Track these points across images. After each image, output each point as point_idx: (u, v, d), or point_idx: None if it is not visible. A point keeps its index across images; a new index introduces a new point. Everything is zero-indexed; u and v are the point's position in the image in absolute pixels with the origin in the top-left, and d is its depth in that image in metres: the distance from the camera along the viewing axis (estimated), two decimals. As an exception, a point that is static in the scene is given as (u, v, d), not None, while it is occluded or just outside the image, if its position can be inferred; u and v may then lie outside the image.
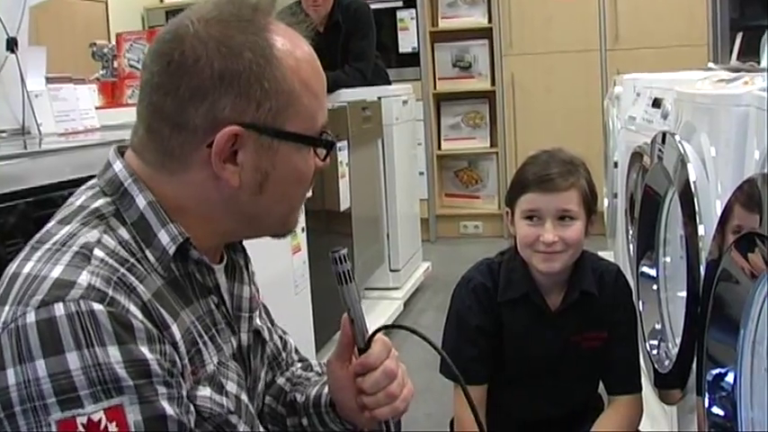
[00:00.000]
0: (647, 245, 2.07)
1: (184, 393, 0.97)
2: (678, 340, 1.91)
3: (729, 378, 1.31)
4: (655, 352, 1.97)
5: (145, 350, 0.90)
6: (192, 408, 0.98)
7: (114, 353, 0.87)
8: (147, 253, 0.99)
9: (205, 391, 1.02)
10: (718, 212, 1.54)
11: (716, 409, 1.34)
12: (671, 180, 1.75)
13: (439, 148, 5.79)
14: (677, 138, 1.71)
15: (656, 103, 2.49)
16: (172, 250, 1.00)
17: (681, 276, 1.97)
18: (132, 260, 0.97)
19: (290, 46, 1.02)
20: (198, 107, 0.98)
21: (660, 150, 1.86)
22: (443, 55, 5.69)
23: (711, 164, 1.58)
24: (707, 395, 1.34)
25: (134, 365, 0.89)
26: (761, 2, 5.21)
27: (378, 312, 3.81)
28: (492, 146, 5.72)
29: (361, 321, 1.13)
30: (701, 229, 1.55)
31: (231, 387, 1.08)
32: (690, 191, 1.60)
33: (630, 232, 2.76)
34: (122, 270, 0.94)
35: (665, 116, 2.32)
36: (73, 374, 0.86)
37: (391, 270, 4.16)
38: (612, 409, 1.85)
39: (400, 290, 4.16)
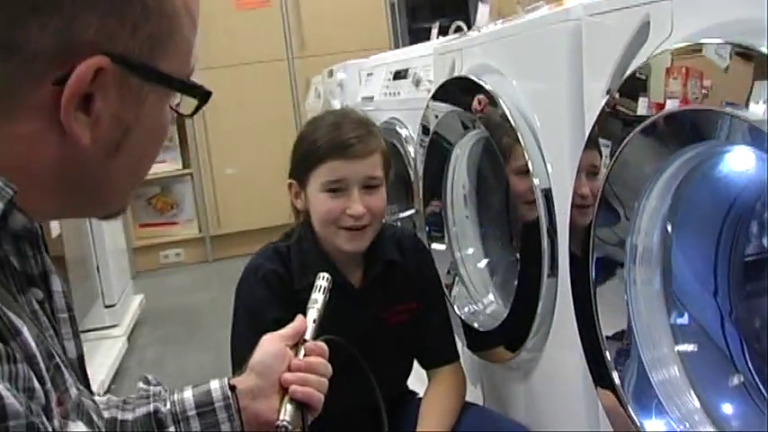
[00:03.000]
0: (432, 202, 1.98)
1: None
2: (488, 299, 1.85)
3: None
4: (463, 315, 1.88)
5: None
6: None
7: None
8: None
9: (78, 427, 0.71)
10: (543, 144, 1.48)
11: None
12: (471, 124, 1.68)
13: (128, 175, 5.37)
14: (474, 78, 1.64)
15: (400, 75, 2.45)
16: None
17: (470, 234, 1.91)
18: None
19: None
20: (45, 23, 0.66)
21: (446, 100, 1.78)
22: (123, 75, 5.30)
23: (522, 95, 1.53)
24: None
25: None
26: (428, 7, 5.55)
27: (102, 354, 3.37)
28: (185, 167, 5.43)
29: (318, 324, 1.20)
30: (529, 165, 1.49)
31: (93, 416, 0.77)
32: (507, 128, 1.52)
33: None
34: None
35: (416, 83, 2.28)
36: None
37: (106, 306, 3.72)
38: (435, 382, 1.73)
39: (120, 326, 3.74)
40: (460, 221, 1.93)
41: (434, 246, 1.94)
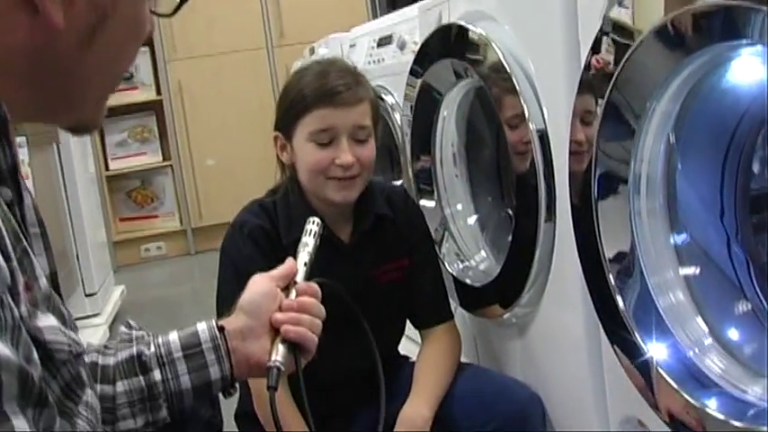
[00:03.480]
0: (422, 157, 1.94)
1: (17, 314, 0.57)
2: (480, 255, 1.81)
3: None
4: (454, 272, 1.83)
5: None
6: (34, 353, 0.59)
7: None
8: None
9: (49, 320, 0.65)
10: (539, 89, 1.45)
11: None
12: (463, 73, 1.64)
13: (107, 168, 5.28)
14: (463, 23, 1.59)
15: (384, 41, 2.40)
16: None
17: (459, 191, 1.87)
18: None
19: None
20: None
21: (437, 50, 1.73)
22: (100, 66, 5.20)
23: (516, 39, 1.49)
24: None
25: None
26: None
27: (84, 341, 3.29)
28: (165, 159, 5.35)
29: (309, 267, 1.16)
30: (525, 110, 1.44)
31: (66, 318, 0.71)
32: (501, 73, 1.48)
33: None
34: None
35: (401, 47, 2.23)
36: None
37: (87, 295, 3.64)
38: (429, 342, 1.68)
39: (101, 316, 3.66)
40: (450, 179, 1.89)
41: (423, 202, 1.89)
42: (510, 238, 1.60)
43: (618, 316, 1.10)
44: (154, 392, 1.01)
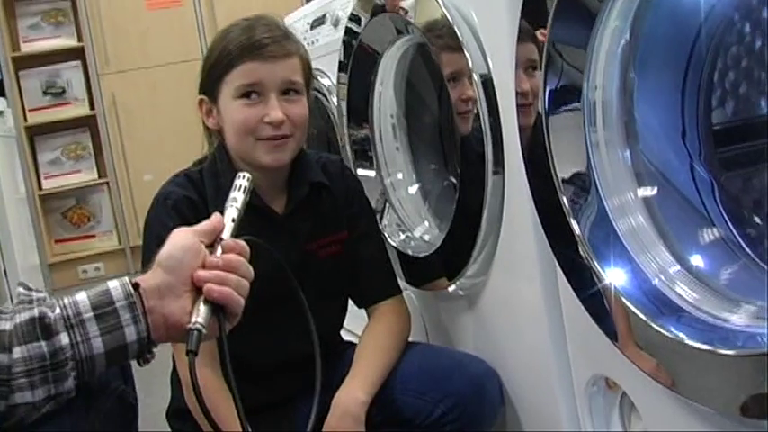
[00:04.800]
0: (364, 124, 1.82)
1: None
2: (423, 226, 1.70)
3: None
4: (396, 243, 1.72)
5: None
6: None
7: None
8: None
9: None
10: (485, 40, 1.35)
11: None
12: (404, 29, 1.53)
13: (40, 188, 5.07)
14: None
15: (317, 22, 2.30)
16: None
17: (400, 160, 1.76)
18: None
19: None
20: None
21: (373, 6, 1.63)
22: (31, 82, 4.99)
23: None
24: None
25: None
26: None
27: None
28: (100, 177, 5.15)
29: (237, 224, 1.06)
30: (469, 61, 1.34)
31: None
32: (446, 24, 1.38)
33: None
34: None
35: (335, 23, 2.13)
36: None
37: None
38: (374, 319, 1.56)
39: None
40: (390, 151, 1.78)
41: (362, 172, 1.77)
42: (455, 205, 1.48)
43: (572, 242, 0.98)
44: (58, 359, 0.89)
